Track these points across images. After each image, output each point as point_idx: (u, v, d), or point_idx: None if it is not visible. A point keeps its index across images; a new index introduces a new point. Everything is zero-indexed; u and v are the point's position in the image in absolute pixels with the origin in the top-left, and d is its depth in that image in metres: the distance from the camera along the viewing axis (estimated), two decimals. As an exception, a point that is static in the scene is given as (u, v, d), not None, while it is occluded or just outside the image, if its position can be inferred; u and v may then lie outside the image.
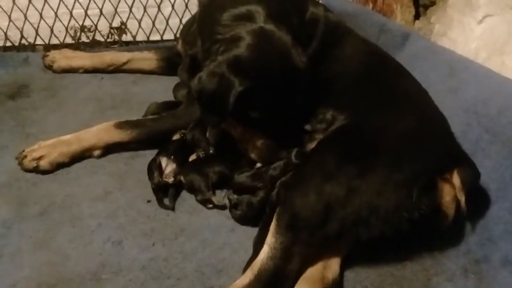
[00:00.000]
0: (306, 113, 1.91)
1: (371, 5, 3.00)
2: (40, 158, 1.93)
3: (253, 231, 1.71)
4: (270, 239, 1.51)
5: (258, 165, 1.93)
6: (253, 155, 1.93)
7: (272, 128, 1.84)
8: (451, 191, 1.62)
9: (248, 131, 1.89)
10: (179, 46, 2.40)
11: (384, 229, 1.54)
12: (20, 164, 1.94)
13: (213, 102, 1.77)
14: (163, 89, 2.53)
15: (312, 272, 1.54)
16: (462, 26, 2.26)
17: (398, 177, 1.54)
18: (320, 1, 2.72)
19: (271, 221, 1.55)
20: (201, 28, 2.02)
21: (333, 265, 1.59)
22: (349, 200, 1.51)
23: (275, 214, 1.55)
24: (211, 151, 2.00)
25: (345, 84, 1.94)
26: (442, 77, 2.13)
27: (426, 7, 2.59)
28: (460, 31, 2.28)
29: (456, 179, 1.61)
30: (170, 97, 2.41)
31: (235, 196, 1.83)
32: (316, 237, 1.51)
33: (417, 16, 2.66)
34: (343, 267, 1.62)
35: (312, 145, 1.82)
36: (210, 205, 1.86)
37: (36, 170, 1.93)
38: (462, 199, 1.61)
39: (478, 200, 1.73)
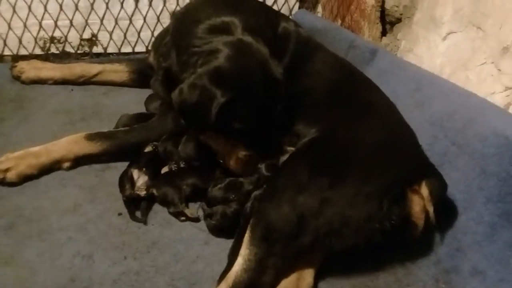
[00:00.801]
0: (282, 125, 1.93)
1: (339, 22, 3.08)
2: (7, 170, 1.88)
3: (227, 244, 1.70)
4: (244, 250, 1.51)
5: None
6: (234, 168, 1.92)
7: (254, 139, 1.85)
8: (420, 202, 1.65)
9: (230, 143, 1.88)
10: (151, 58, 2.39)
11: (356, 240, 1.56)
12: (-14, 176, 1.88)
13: (195, 114, 1.78)
14: (134, 101, 2.52)
15: (286, 284, 1.55)
16: (427, 43, 2.33)
17: (369, 188, 1.57)
18: (291, 17, 2.77)
19: (245, 233, 1.55)
20: (175, 40, 2.02)
21: (307, 276, 1.59)
22: (322, 211, 1.53)
23: (249, 225, 1.55)
24: (182, 165, 1.98)
25: (316, 98, 1.98)
26: (409, 92, 2.18)
27: (393, 24, 2.66)
28: (425, 47, 2.35)
29: (424, 190, 1.66)
30: (141, 109, 2.40)
31: (207, 208, 1.83)
32: (290, 248, 1.52)
33: (384, 33, 2.73)
34: (317, 279, 1.62)
35: (283, 158, 1.84)
36: (183, 218, 1.84)
37: (2, 182, 1.88)
38: (431, 209, 1.65)
39: (446, 211, 1.76)
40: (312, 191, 1.54)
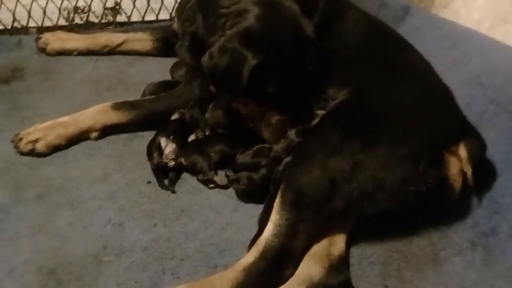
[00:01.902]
0: (313, 87, 1.87)
1: (369, -21, 2.93)
2: (36, 140, 1.88)
3: (256, 210, 1.68)
4: (274, 216, 1.48)
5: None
6: (267, 133, 1.88)
7: (286, 103, 1.80)
8: (458, 164, 1.59)
9: (262, 108, 1.83)
10: (175, 25, 2.34)
11: (390, 204, 1.51)
12: (16, 147, 1.89)
13: (227, 78, 1.72)
14: (159, 69, 2.47)
15: (318, 249, 1.51)
16: (464, -3, 2.22)
17: (403, 150, 1.51)
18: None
19: (275, 199, 1.52)
20: (202, 2, 1.96)
21: (339, 241, 1.56)
22: (354, 174, 1.48)
23: (279, 190, 1.52)
24: (207, 132, 1.95)
25: (347, 58, 1.90)
26: (444, 49, 2.09)
27: (427, -21, 2.53)
28: (462, 2, 2.24)
29: (462, 151, 1.60)
30: (166, 77, 2.35)
31: (232, 173, 1.80)
32: (321, 213, 1.48)
33: (417, -12, 2.59)
34: (349, 244, 1.59)
35: (314, 121, 1.78)
36: (212, 185, 1.83)
37: (32, 153, 1.88)
38: (469, 171, 1.59)
39: (484, 173, 1.70)
40: (344, 154, 1.49)
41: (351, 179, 1.48)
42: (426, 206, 1.60)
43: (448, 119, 1.66)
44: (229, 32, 1.71)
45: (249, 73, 1.66)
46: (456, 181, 1.60)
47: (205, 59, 1.74)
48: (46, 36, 2.55)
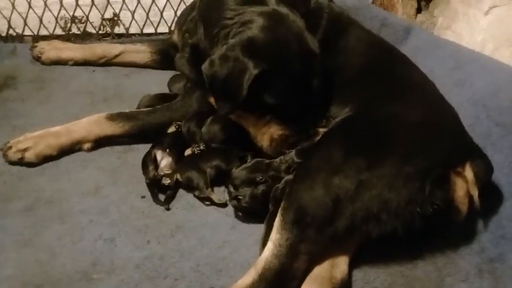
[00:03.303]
0: (317, 103, 1.83)
1: (371, -1, 2.94)
2: (25, 149, 1.82)
3: (255, 229, 1.63)
4: (274, 235, 1.42)
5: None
6: (267, 148, 1.83)
7: (289, 117, 1.75)
8: (464, 186, 1.54)
9: (263, 122, 1.79)
10: (175, 36, 2.30)
11: (395, 225, 1.45)
12: (4, 155, 1.83)
13: (227, 86, 1.68)
14: (156, 82, 2.43)
15: (320, 271, 1.45)
16: (467, 18, 2.21)
17: (409, 169, 1.46)
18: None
19: (275, 218, 1.47)
20: (204, 13, 1.92)
21: (341, 264, 1.50)
22: (359, 194, 1.43)
23: (280, 208, 1.46)
24: (202, 147, 1.89)
25: (349, 76, 1.87)
26: (447, 71, 2.08)
27: (428, 0, 2.53)
28: (465, 23, 2.23)
29: (469, 172, 1.55)
30: (164, 90, 2.31)
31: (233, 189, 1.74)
32: (324, 234, 1.42)
33: (419, 10, 2.61)
34: (351, 266, 1.53)
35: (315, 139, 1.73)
36: (208, 203, 1.76)
37: (21, 162, 1.82)
38: (475, 193, 1.54)
39: (489, 196, 1.65)
40: (348, 173, 1.44)
41: (355, 199, 1.43)
42: (431, 229, 1.54)
43: (454, 139, 1.61)
44: (231, 41, 1.68)
45: (250, 82, 1.63)
46: (462, 204, 1.55)
47: (205, 66, 1.69)
48: (42, 45, 2.51)
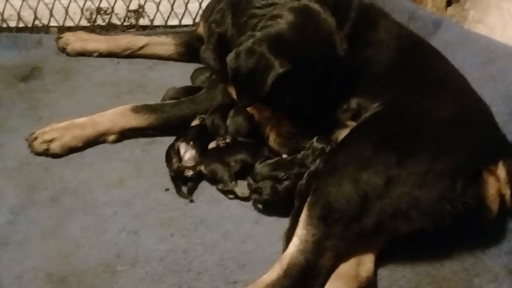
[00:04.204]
0: (336, 101, 1.80)
1: (399, -9, 2.88)
2: (51, 140, 1.83)
3: (279, 224, 1.61)
4: (300, 231, 1.40)
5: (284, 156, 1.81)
6: (273, 143, 1.82)
7: (302, 115, 1.74)
8: (496, 184, 1.51)
9: (275, 117, 1.77)
10: (200, 29, 2.28)
11: (424, 224, 1.42)
12: (30, 146, 1.84)
13: (250, 81, 1.67)
14: (181, 74, 2.41)
15: (345, 268, 1.43)
16: (500, 11, 2.15)
17: (441, 166, 1.42)
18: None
19: (301, 213, 1.44)
20: (233, 1, 1.88)
21: (367, 261, 1.47)
22: (388, 190, 1.40)
23: (306, 204, 1.44)
24: (227, 140, 1.87)
25: (379, 69, 1.83)
26: (479, 65, 2.01)
27: (459, -7, 2.46)
28: (498, 16, 2.16)
29: (501, 171, 1.51)
30: (187, 83, 2.30)
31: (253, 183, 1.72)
32: (351, 230, 1.39)
33: (449, 3, 2.53)
34: (377, 264, 1.50)
35: (344, 133, 1.70)
36: (232, 196, 1.75)
37: (46, 153, 1.83)
38: (508, 193, 1.50)
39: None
40: (377, 168, 1.40)
41: (384, 195, 1.39)
42: (460, 228, 1.49)
43: (487, 136, 1.57)
44: (258, 34, 1.65)
45: (273, 80, 1.61)
46: (493, 202, 1.51)
47: (230, 58, 1.68)
48: (67, 36, 2.51)
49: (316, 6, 1.69)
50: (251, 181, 1.73)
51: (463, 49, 2.13)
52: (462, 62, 2.02)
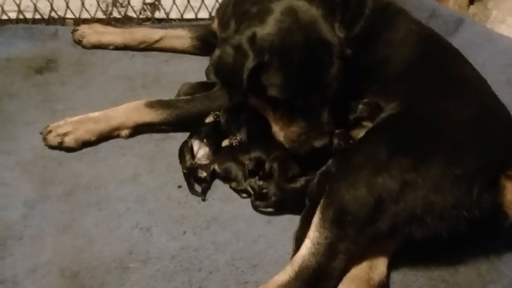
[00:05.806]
0: (348, 101, 1.77)
1: (419, -12, 2.82)
2: (65, 134, 1.83)
3: (291, 223, 1.60)
4: (313, 233, 1.39)
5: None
6: (282, 141, 1.78)
7: (303, 111, 1.69)
8: (514, 190, 1.46)
9: (279, 116, 1.74)
10: (215, 25, 2.26)
11: (439, 229, 1.40)
12: (44, 139, 1.85)
13: (229, 76, 1.70)
14: (196, 69, 2.40)
15: (357, 272, 1.42)
16: (524, 12, 2.09)
17: (458, 170, 1.40)
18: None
19: (312, 214, 1.43)
20: (236, 7, 1.89)
21: (380, 265, 1.46)
22: (403, 194, 1.37)
23: (320, 206, 1.42)
24: (239, 137, 1.87)
25: (396, 69, 1.79)
26: (500, 67, 1.99)
27: (482, -8, 2.41)
28: (522, 17, 2.11)
29: (520, 176, 1.46)
30: (203, 78, 2.28)
31: (260, 182, 1.71)
32: (364, 234, 1.38)
33: (471, 1, 2.48)
34: (390, 268, 1.49)
35: (359, 133, 1.68)
36: (245, 195, 1.74)
37: (60, 146, 1.83)
38: (526, 199, 1.46)
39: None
40: (392, 172, 1.38)
41: (399, 199, 1.37)
42: (476, 233, 1.47)
43: (505, 140, 1.53)
44: (239, 33, 1.67)
45: (248, 73, 1.60)
46: (510, 208, 1.47)
47: (212, 57, 1.72)
48: (83, 29, 2.51)
49: (300, 3, 1.68)
50: (253, 184, 1.71)
51: (484, 49, 2.10)
52: (483, 62, 1.99)
